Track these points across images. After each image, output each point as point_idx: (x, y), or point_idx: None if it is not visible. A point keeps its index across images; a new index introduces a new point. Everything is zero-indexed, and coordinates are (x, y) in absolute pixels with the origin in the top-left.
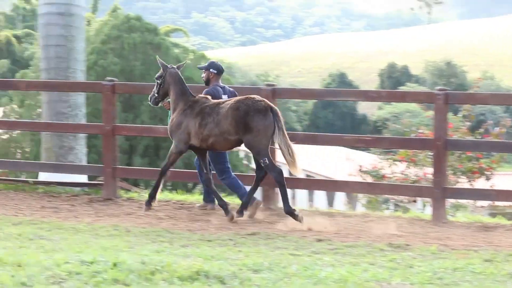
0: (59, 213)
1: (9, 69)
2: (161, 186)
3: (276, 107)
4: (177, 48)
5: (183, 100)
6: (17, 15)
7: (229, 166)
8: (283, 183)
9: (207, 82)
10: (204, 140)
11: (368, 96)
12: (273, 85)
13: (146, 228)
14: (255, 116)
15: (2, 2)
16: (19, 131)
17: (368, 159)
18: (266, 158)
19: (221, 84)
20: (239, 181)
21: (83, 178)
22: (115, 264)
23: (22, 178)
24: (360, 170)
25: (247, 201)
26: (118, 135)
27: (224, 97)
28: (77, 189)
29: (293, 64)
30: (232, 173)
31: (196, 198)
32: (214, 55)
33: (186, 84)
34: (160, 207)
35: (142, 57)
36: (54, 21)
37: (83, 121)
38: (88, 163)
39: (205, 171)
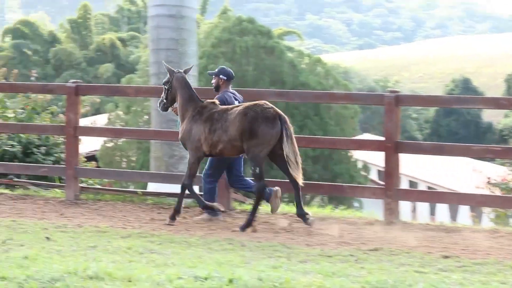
0: (170, 225)
1: (113, 74)
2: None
3: (284, 115)
4: (291, 52)
5: (191, 106)
6: (122, 17)
7: (241, 172)
8: (260, 197)
9: (217, 88)
10: (213, 147)
11: (499, 103)
12: (396, 91)
13: (261, 242)
14: (262, 123)
15: (106, 3)
16: (125, 139)
17: (496, 171)
18: (258, 168)
19: (231, 90)
20: (216, 192)
21: (194, 189)
22: (230, 280)
23: (131, 189)
24: (489, 183)
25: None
26: None
27: (236, 103)
28: (189, 200)
29: (413, 69)
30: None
31: (314, 211)
32: (330, 59)
33: (193, 89)
34: (276, 220)
35: (254, 61)
36: (165, 24)
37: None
38: (200, 173)
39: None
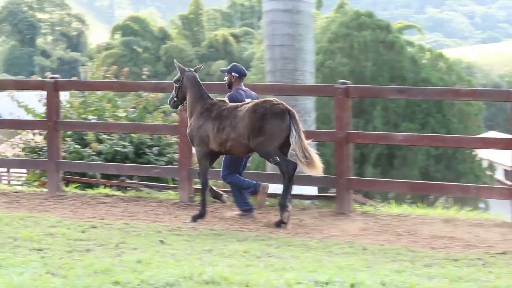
0: (286, 228)
1: None
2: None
3: (293, 110)
4: (411, 47)
5: (200, 103)
6: (235, 13)
7: (240, 170)
8: (292, 177)
9: (230, 85)
10: (222, 145)
11: None
12: None
13: (384, 245)
14: (271, 119)
15: None
16: None
17: None
18: (276, 156)
19: (243, 87)
20: (240, 177)
21: (313, 190)
22: (352, 285)
23: None
24: None
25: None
26: (352, 143)
27: (247, 100)
28: (307, 202)
29: None
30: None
31: (438, 212)
32: (451, 54)
33: (203, 87)
34: (399, 222)
35: (373, 56)
36: (280, 19)
37: (313, 127)
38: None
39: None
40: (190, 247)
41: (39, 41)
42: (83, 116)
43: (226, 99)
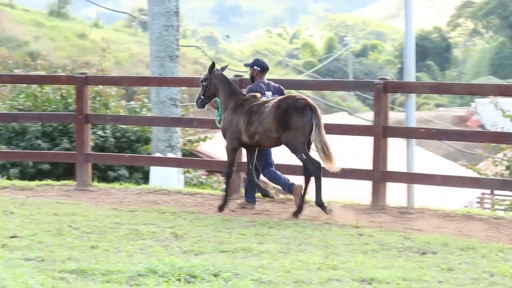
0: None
1: None
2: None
3: (315, 105)
4: None
5: (233, 99)
6: None
7: (271, 161)
8: (319, 176)
9: (252, 79)
10: (251, 138)
11: None
12: None
13: None
14: (294, 114)
15: None
16: None
17: None
18: (303, 153)
19: (265, 81)
20: (278, 173)
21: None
22: None
23: None
24: None
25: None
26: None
27: (268, 93)
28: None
29: None
30: (273, 168)
31: None
32: None
33: (233, 83)
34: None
35: None
36: None
37: None
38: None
39: (250, 166)
40: None
41: None
42: None
43: (258, 94)
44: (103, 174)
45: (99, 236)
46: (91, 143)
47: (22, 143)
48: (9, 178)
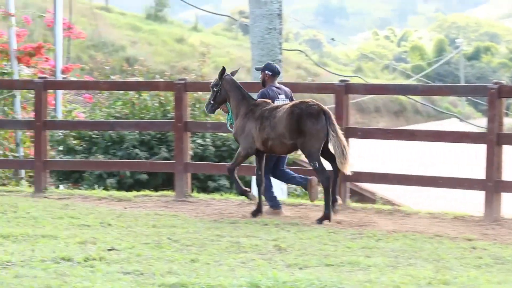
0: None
1: None
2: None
3: (328, 110)
4: None
5: (244, 105)
6: None
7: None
8: (328, 188)
9: (263, 83)
10: (264, 143)
11: None
12: None
13: None
14: (307, 120)
15: None
16: None
17: None
18: (317, 162)
19: (277, 84)
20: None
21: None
22: None
23: None
24: None
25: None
26: None
27: (281, 96)
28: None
29: None
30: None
31: None
32: None
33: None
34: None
35: None
36: None
37: None
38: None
39: (259, 172)
40: None
41: None
42: None
43: (268, 100)
44: (202, 185)
45: (199, 249)
46: (190, 152)
47: (119, 152)
48: (106, 189)
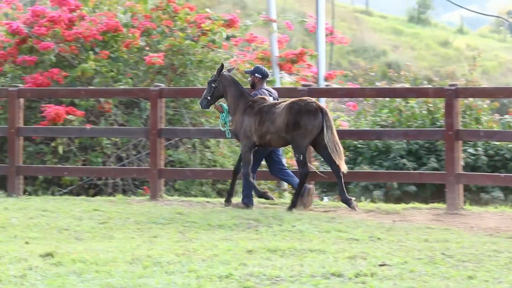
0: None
1: None
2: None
3: (326, 108)
4: None
5: (242, 101)
6: None
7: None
8: (303, 183)
9: (253, 85)
10: (262, 137)
11: None
12: None
13: None
14: (305, 116)
15: None
16: None
17: None
18: (302, 155)
19: (265, 87)
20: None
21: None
22: None
23: None
24: None
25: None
26: None
27: (270, 98)
28: None
29: None
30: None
31: None
32: None
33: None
34: None
35: None
36: None
37: None
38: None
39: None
40: None
41: None
42: None
43: (266, 97)
44: (473, 196)
45: (476, 265)
46: (462, 162)
47: (386, 163)
48: (373, 201)
